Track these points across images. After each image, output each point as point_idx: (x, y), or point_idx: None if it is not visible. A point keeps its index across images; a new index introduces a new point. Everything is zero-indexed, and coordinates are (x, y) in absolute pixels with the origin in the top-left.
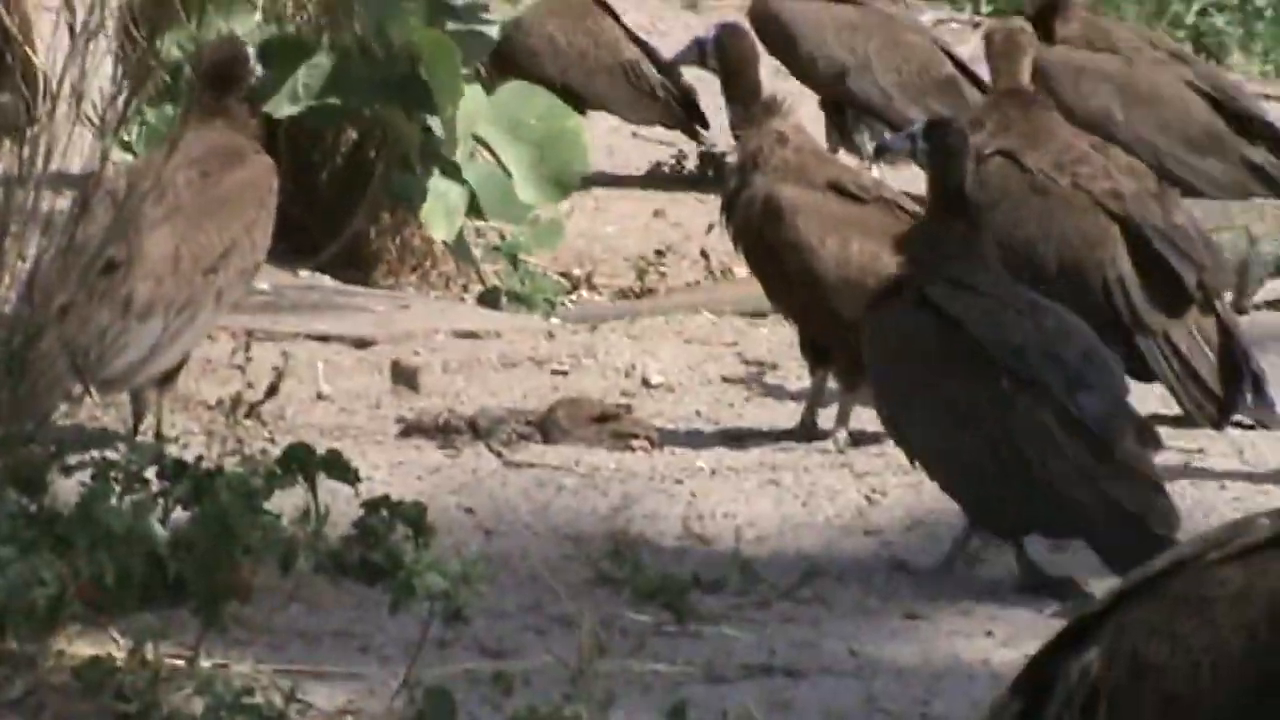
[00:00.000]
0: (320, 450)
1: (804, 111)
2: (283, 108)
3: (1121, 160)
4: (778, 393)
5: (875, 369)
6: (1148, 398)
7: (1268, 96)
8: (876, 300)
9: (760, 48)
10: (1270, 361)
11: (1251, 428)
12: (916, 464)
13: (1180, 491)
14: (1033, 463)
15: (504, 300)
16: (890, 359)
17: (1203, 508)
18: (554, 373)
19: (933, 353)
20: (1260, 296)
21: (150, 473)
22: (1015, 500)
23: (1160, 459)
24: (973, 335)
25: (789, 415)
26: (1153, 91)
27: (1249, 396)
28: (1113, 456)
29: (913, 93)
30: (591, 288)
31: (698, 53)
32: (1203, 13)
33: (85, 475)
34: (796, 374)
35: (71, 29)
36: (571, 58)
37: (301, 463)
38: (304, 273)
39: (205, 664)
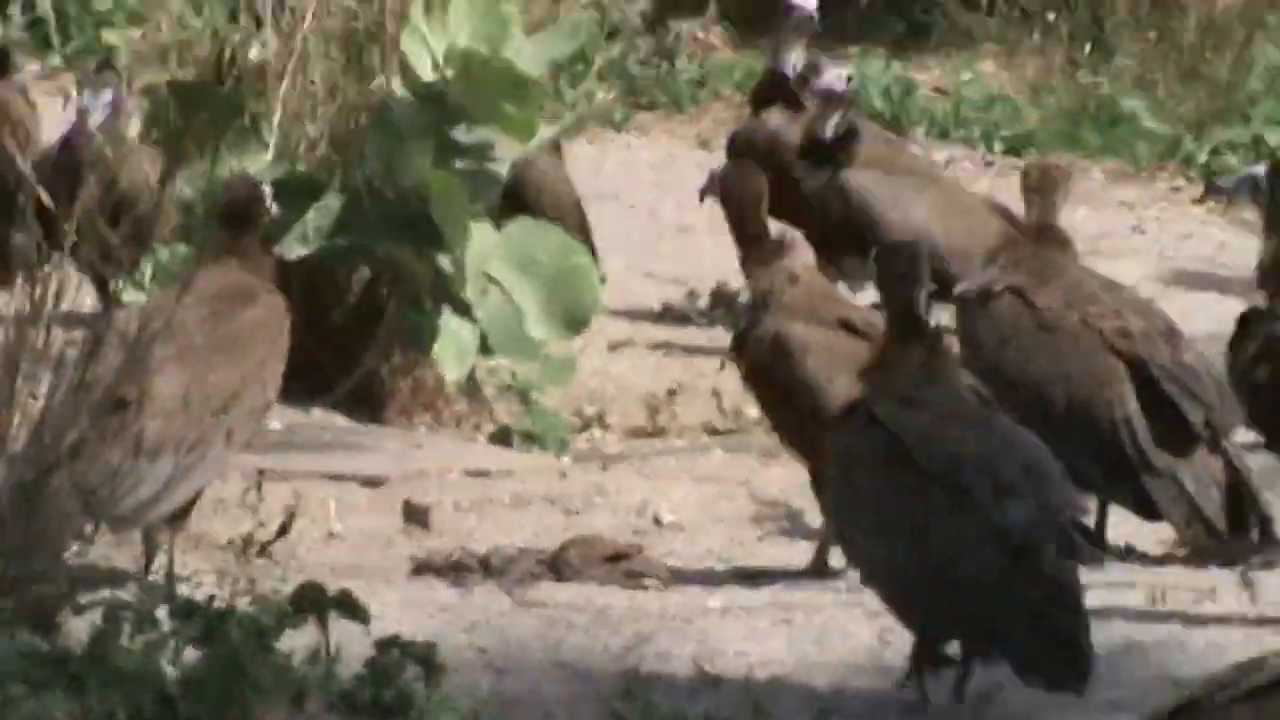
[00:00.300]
0: (332, 589)
1: None
2: (293, 249)
3: (1130, 299)
4: (790, 532)
5: (828, 487)
6: (1155, 538)
7: None
8: (833, 424)
9: None
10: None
11: (1261, 568)
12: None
13: (1191, 633)
14: (954, 572)
15: (516, 439)
16: (838, 476)
17: (1214, 649)
18: (566, 512)
19: (874, 468)
20: None
21: (162, 612)
22: (940, 609)
23: (1172, 600)
24: (909, 449)
25: (801, 554)
26: (964, 204)
27: (1257, 538)
28: (1033, 567)
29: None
30: (604, 427)
31: (718, 186)
32: (1214, 151)
33: (97, 614)
34: (809, 513)
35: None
36: (573, 197)
37: (313, 602)
38: (316, 411)
39: None
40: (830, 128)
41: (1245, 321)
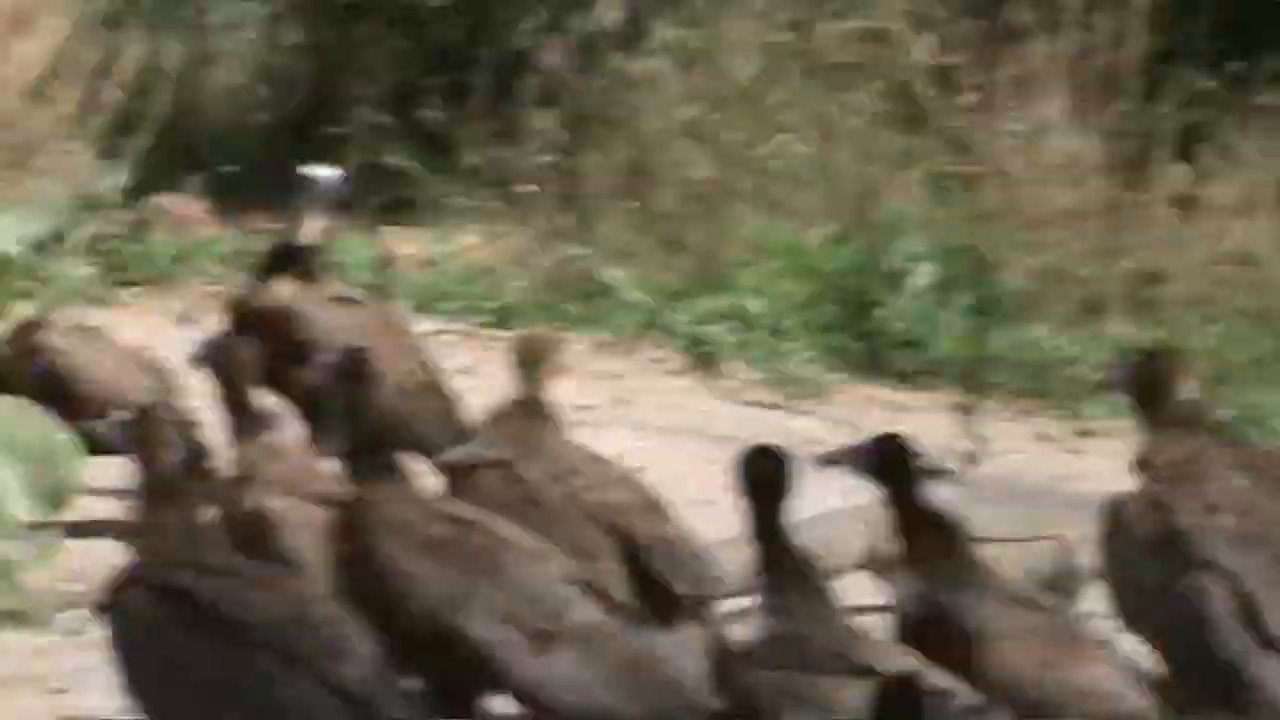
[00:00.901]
0: None
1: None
2: None
3: (617, 472)
4: None
5: (118, 660)
6: None
7: (762, 404)
8: (112, 592)
9: None
10: None
11: None
12: None
13: None
14: None
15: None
16: (136, 648)
17: None
18: (51, 692)
19: (184, 636)
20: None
21: None
22: None
23: None
24: (226, 614)
25: None
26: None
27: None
28: None
29: (406, 395)
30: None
31: (208, 354)
32: (697, 321)
33: None
34: None
35: None
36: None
37: None
38: None
39: None
40: None
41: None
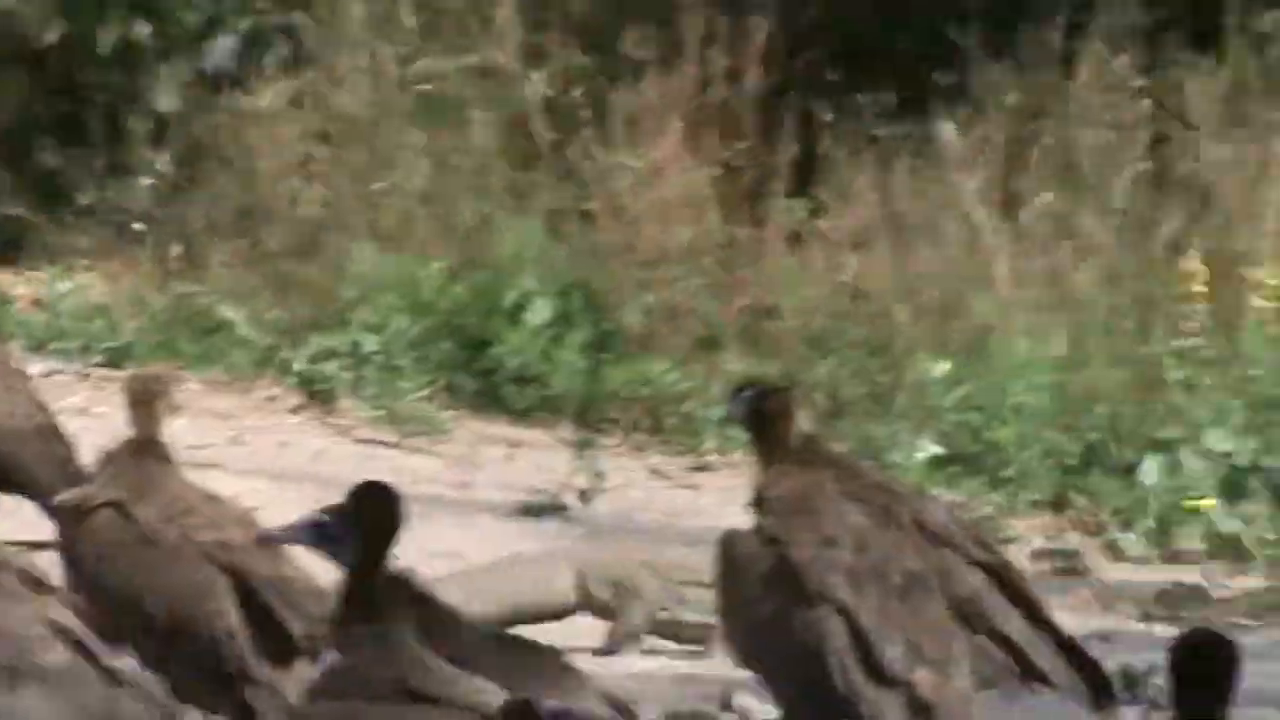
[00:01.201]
0: None
1: None
2: None
3: (232, 512)
4: None
5: None
6: None
7: (378, 442)
8: None
9: None
10: None
11: None
12: None
13: None
14: None
15: None
16: None
17: None
18: None
19: None
20: None
21: None
22: None
23: None
24: None
25: None
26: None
27: None
28: None
29: (20, 439)
30: None
31: None
32: (312, 359)
33: None
34: None
35: None
36: None
37: None
38: None
39: None
40: None
41: None
